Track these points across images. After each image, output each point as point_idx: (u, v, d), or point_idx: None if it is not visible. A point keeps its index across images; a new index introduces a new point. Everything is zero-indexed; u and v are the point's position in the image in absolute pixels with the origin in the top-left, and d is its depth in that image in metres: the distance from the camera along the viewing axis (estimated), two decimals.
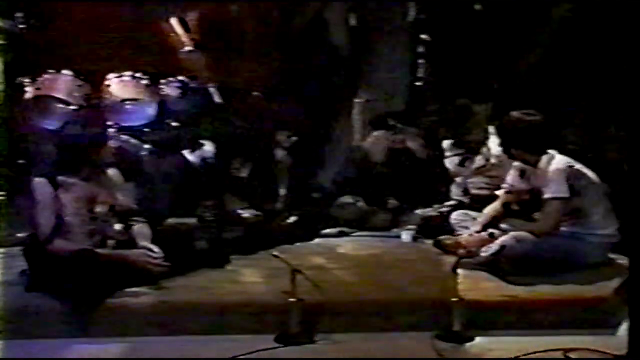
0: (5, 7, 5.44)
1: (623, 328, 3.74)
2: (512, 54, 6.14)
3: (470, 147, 5.58)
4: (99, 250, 4.18)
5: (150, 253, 4.24)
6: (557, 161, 4.53)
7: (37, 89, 5.58)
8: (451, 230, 4.98)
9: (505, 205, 4.82)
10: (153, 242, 4.34)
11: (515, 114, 4.64)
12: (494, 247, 4.41)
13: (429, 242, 5.12)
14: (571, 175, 4.47)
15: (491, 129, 5.50)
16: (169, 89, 5.91)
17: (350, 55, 6.61)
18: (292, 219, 5.62)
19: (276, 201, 5.81)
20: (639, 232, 3.30)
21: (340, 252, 5.22)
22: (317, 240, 5.52)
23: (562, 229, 4.47)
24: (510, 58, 6.14)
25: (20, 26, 5.70)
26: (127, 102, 5.70)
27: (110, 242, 4.32)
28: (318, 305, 3.96)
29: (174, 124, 5.83)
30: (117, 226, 4.37)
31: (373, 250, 5.26)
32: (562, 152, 4.60)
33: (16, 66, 5.35)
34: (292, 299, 3.86)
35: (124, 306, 3.98)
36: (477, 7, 6.37)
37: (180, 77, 5.96)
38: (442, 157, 5.92)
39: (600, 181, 4.56)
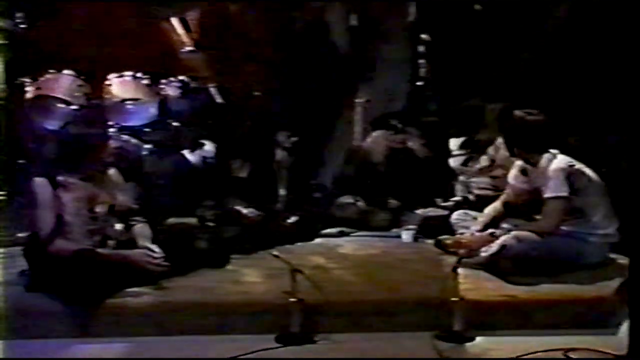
0: (5, 7, 5.44)
1: (623, 328, 3.74)
2: (512, 54, 6.15)
3: (477, 147, 5.55)
4: (99, 250, 4.18)
5: (151, 253, 4.24)
6: (558, 161, 4.53)
7: (38, 89, 5.58)
8: (452, 230, 4.98)
9: (506, 204, 4.82)
10: (153, 242, 4.34)
11: (517, 113, 4.64)
12: (494, 247, 4.41)
13: (430, 242, 5.12)
14: (572, 175, 4.48)
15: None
16: (169, 89, 5.92)
17: (350, 55, 6.62)
18: (292, 219, 5.62)
19: (276, 201, 5.81)
20: (639, 232, 3.30)
21: (340, 252, 5.22)
22: (317, 240, 5.52)
23: (563, 228, 4.47)
24: (510, 58, 6.15)
25: (20, 26, 5.70)
26: (128, 102, 5.70)
27: (111, 242, 4.32)
28: (318, 305, 3.96)
29: (174, 123, 5.83)
30: (118, 226, 4.37)
31: (373, 250, 5.26)
32: (563, 151, 4.60)
33: (16, 66, 5.35)
34: (292, 299, 3.85)
35: (124, 306, 3.98)
36: (477, 7, 6.38)
37: (180, 77, 5.97)
38: (443, 157, 5.92)
39: (600, 181, 4.56)
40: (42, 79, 5.61)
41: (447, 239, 4.88)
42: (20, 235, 4.70)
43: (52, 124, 5.44)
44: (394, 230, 5.72)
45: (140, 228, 4.41)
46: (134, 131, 5.66)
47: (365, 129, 6.51)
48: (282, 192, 5.79)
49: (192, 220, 5.18)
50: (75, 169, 4.30)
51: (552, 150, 4.60)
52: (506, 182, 4.88)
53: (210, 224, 5.16)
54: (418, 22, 6.64)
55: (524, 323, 4.00)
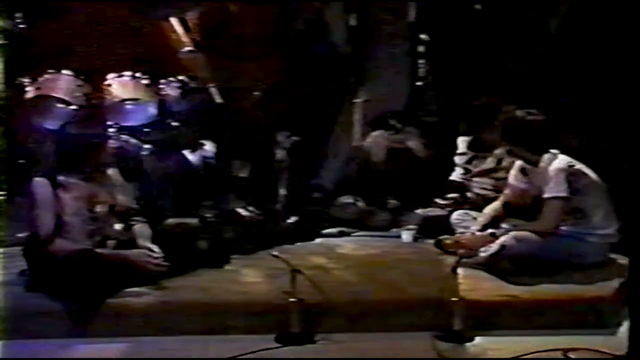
0: (5, 7, 5.44)
1: (623, 328, 3.74)
2: (512, 53, 6.15)
3: (485, 147, 5.52)
4: (99, 250, 4.18)
5: (151, 253, 4.24)
6: (558, 161, 4.53)
7: (37, 89, 5.57)
8: (452, 230, 4.98)
9: (506, 205, 4.82)
10: (153, 242, 4.34)
11: (518, 112, 4.64)
12: (493, 247, 4.41)
13: (430, 242, 5.12)
14: (572, 175, 4.47)
15: None
16: (169, 89, 5.91)
17: (350, 55, 6.61)
18: (292, 219, 5.62)
19: (276, 201, 5.81)
20: (639, 232, 3.30)
21: (340, 252, 5.22)
22: (317, 240, 5.53)
23: (563, 228, 4.46)
24: (510, 58, 6.15)
25: (20, 26, 5.69)
26: (127, 102, 5.69)
27: (111, 242, 4.32)
28: (318, 305, 3.96)
29: (174, 124, 5.82)
30: (118, 226, 4.37)
31: (373, 250, 5.26)
32: (563, 151, 4.60)
33: (16, 66, 5.35)
34: (292, 299, 3.85)
35: (124, 306, 3.98)
36: (477, 7, 6.38)
37: (180, 77, 5.97)
38: (443, 157, 5.91)
39: (601, 181, 4.56)
40: (41, 79, 5.60)
41: (447, 239, 4.87)
42: (20, 235, 4.69)
43: (51, 124, 5.43)
44: (394, 230, 5.72)
45: (140, 228, 4.41)
46: (133, 131, 5.65)
47: (365, 129, 6.51)
48: (282, 192, 5.78)
49: (192, 221, 5.17)
50: (75, 169, 4.30)
51: (552, 151, 4.59)
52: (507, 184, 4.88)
53: (210, 224, 5.15)
54: (418, 22, 6.63)
55: (524, 323, 4.00)
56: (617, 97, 4.79)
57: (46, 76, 5.62)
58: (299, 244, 5.32)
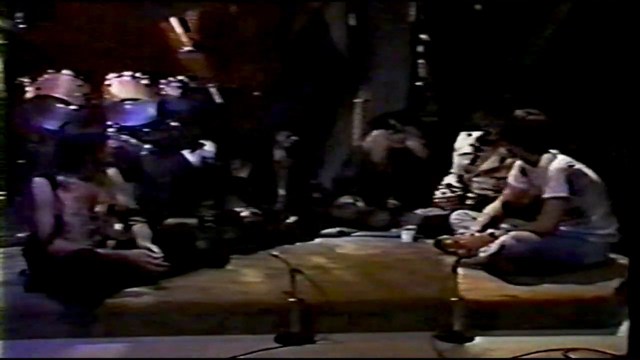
0: (5, 7, 5.44)
1: (623, 328, 3.74)
2: (512, 53, 6.15)
3: (488, 146, 5.51)
4: (98, 250, 4.17)
5: (150, 253, 4.24)
6: (558, 161, 4.53)
7: (37, 89, 5.57)
8: (451, 230, 4.98)
9: (506, 205, 4.82)
10: (153, 242, 4.34)
11: (518, 112, 4.64)
12: (493, 247, 4.41)
13: (430, 242, 5.12)
14: (571, 175, 4.48)
15: None
16: (169, 89, 5.91)
17: (350, 55, 6.61)
18: (292, 219, 5.62)
19: (276, 201, 5.81)
20: (639, 232, 3.30)
21: (340, 252, 5.22)
22: (317, 240, 5.53)
23: (562, 228, 4.47)
24: (510, 58, 6.15)
25: (20, 26, 5.69)
26: (127, 102, 5.69)
27: (110, 242, 4.32)
28: (318, 305, 3.96)
29: (174, 124, 5.82)
30: (117, 226, 4.37)
31: (373, 250, 5.26)
32: (563, 152, 4.60)
33: (16, 66, 5.35)
34: (292, 299, 3.85)
35: (124, 306, 3.98)
36: (477, 7, 6.38)
37: (180, 77, 5.96)
38: (443, 157, 5.91)
39: (600, 181, 4.56)
40: (41, 79, 5.60)
41: (446, 239, 4.88)
42: (20, 235, 4.70)
43: (51, 124, 5.43)
44: (394, 230, 5.72)
45: (140, 228, 4.41)
46: (133, 131, 5.65)
47: (365, 129, 6.51)
48: (281, 192, 5.78)
49: (192, 220, 5.17)
50: (75, 169, 4.30)
51: (552, 151, 4.59)
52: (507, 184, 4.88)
53: (210, 224, 5.16)
54: (418, 22, 6.63)
55: (524, 323, 4.00)
56: (617, 97, 4.79)
57: (46, 76, 5.61)
58: (298, 244, 5.32)
